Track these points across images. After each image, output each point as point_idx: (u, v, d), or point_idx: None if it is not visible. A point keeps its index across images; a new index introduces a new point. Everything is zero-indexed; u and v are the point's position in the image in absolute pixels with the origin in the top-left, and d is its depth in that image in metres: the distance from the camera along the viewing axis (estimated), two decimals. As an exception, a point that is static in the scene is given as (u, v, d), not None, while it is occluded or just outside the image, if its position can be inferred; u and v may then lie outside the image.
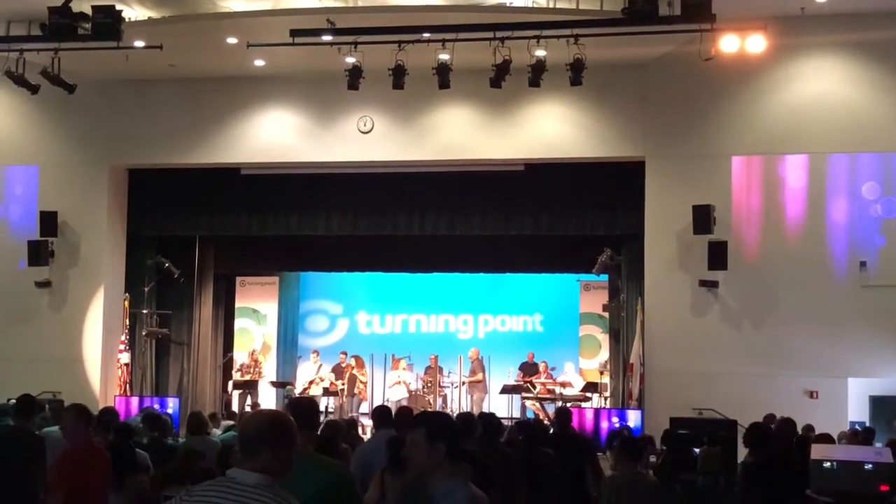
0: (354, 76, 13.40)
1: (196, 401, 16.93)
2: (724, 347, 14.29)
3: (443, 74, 13.07)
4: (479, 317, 19.81)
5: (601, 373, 16.85)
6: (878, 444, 9.99)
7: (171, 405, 14.96)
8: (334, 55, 13.08)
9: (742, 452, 8.06)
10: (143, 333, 16.86)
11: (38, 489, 7.16)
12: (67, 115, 15.99)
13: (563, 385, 16.55)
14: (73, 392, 14.03)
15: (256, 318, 18.99)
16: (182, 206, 16.85)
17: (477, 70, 13.05)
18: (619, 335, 16.31)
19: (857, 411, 13.76)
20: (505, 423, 9.18)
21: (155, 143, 16.22)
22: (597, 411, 14.77)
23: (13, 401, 8.58)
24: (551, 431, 8.95)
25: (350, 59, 13.20)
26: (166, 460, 7.63)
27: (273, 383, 18.03)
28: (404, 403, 16.07)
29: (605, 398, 16.32)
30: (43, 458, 7.27)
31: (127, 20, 12.73)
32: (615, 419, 14.08)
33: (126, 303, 16.59)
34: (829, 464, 7.22)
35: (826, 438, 9.56)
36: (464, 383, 17.35)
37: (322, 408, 16.33)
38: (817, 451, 7.52)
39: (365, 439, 9.35)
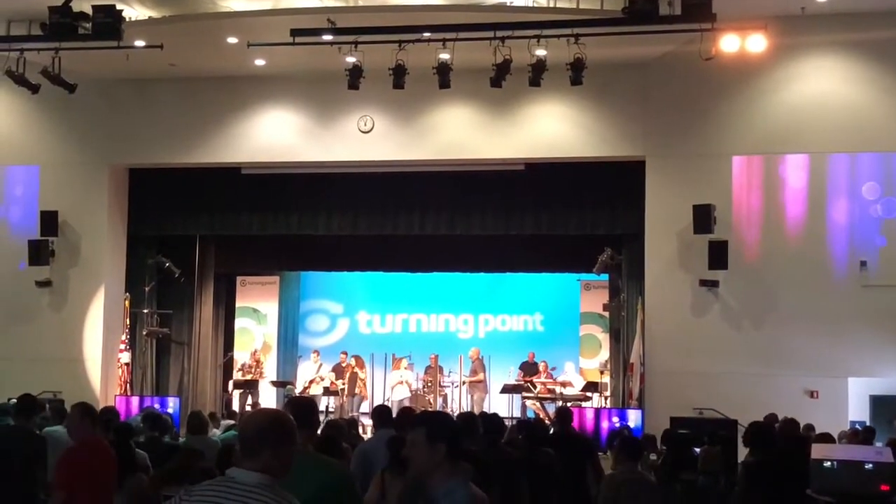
0: (355, 76, 13.40)
1: (196, 400, 16.94)
2: (725, 347, 14.28)
3: (443, 74, 13.07)
4: (480, 316, 19.82)
5: (601, 372, 16.86)
6: (879, 444, 9.98)
7: (172, 405, 14.96)
8: (335, 55, 13.08)
9: (742, 452, 8.07)
10: (144, 333, 16.87)
11: (38, 488, 7.17)
12: (68, 115, 15.99)
13: (564, 385, 16.56)
14: (73, 392, 14.03)
15: (257, 317, 19.00)
16: (182, 206, 16.85)
17: (477, 70, 13.05)
18: (620, 335, 16.31)
19: (858, 411, 13.75)
20: (506, 422, 9.17)
21: (155, 143, 16.22)
22: (597, 411, 14.76)
23: (13, 400, 8.59)
24: (552, 431, 8.95)
25: (350, 59, 13.20)
26: (166, 460, 7.62)
27: (273, 383, 18.03)
28: (407, 403, 16.11)
29: (606, 398, 16.32)
30: (43, 457, 7.29)
31: (127, 20, 12.74)
32: (615, 419, 14.08)
33: (126, 302, 16.59)
34: (829, 463, 7.21)
35: (826, 438, 9.56)
36: (464, 383, 17.35)
37: (322, 407, 16.36)
38: (818, 450, 7.51)
39: (365, 439, 9.36)
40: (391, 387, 17.49)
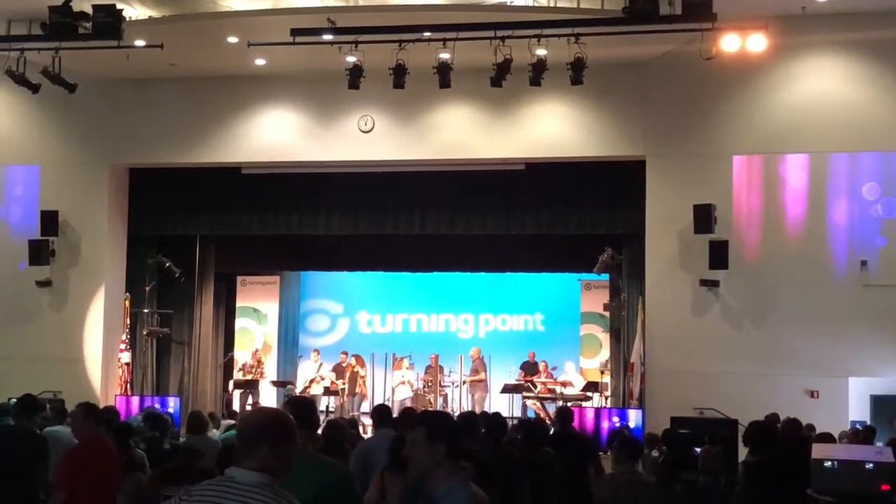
0: (355, 75, 13.39)
1: (197, 400, 16.93)
2: (725, 347, 14.27)
3: (443, 73, 13.06)
4: (480, 316, 19.82)
5: (602, 372, 16.86)
6: (879, 444, 9.97)
7: (172, 405, 14.96)
8: (335, 54, 13.07)
9: (743, 452, 8.07)
10: (144, 333, 16.86)
11: (38, 488, 7.17)
12: (68, 115, 15.99)
13: (564, 384, 16.55)
14: (73, 391, 14.02)
15: (257, 317, 19.00)
16: (183, 206, 16.85)
17: (478, 69, 13.04)
18: (620, 334, 16.30)
19: (858, 411, 13.75)
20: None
21: (156, 143, 16.21)
22: (597, 411, 14.76)
23: (14, 400, 8.59)
24: (552, 431, 8.94)
25: (351, 59, 13.19)
26: (165, 460, 7.62)
27: (274, 383, 18.03)
28: (409, 404, 16.11)
29: (606, 397, 16.31)
30: (44, 457, 7.28)
31: (127, 19, 12.74)
32: (616, 419, 14.08)
33: (127, 302, 16.59)
34: (829, 463, 7.20)
35: (827, 438, 9.55)
36: (464, 382, 17.35)
37: (322, 407, 16.37)
38: (818, 450, 7.50)
39: (365, 439, 9.35)
40: (393, 387, 17.49)
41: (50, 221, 15.94)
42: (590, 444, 8.98)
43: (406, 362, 17.65)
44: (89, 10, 12.26)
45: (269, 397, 17.55)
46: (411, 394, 17.20)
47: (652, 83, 14.94)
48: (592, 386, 16.27)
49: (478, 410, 15.14)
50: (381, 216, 16.40)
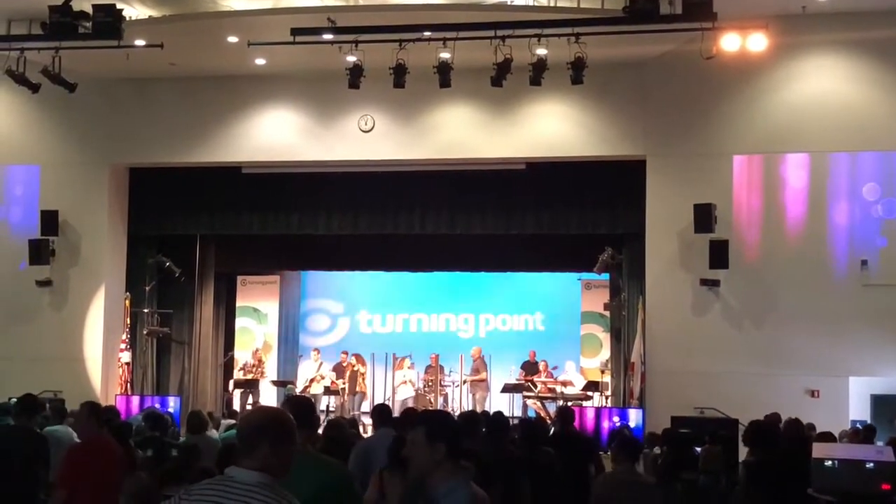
0: (355, 75, 13.39)
1: (197, 400, 16.93)
2: (726, 346, 14.27)
3: (444, 73, 13.06)
4: (480, 316, 19.81)
5: (602, 372, 16.85)
6: (880, 443, 9.96)
7: (172, 404, 14.95)
8: (335, 54, 13.07)
9: (744, 451, 8.06)
10: (144, 332, 16.86)
11: (39, 488, 7.17)
12: (68, 114, 15.98)
13: (565, 384, 16.56)
14: (73, 391, 14.03)
15: (257, 317, 19.00)
16: (183, 205, 16.84)
17: (478, 69, 13.04)
18: (620, 334, 16.30)
19: (859, 410, 13.75)
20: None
21: (156, 142, 16.21)
22: (598, 410, 14.75)
23: (14, 400, 8.59)
24: (553, 431, 8.94)
25: (351, 58, 13.19)
26: (164, 459, 7.61)
27: (274, 382, 18.03)
28: (410, 403, 16.11)
29: (607, 397, 16.31)
30: (44, 456, 7.28)
31: (127, 19, 12.75)
32: (616, 418, 14.07)
33: (127, 302, 16.58)
34: (830, 462, 7.19)
35: (827, 437, 9.54)
36: (465, 382, 17.35)
37: (323, 407, 16.37)
38: (819, 449, 7.49)
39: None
40: (395, 387, 17.48)
41: (50, 221, 15.94)
42: (590, 444, 8.98)
43: (407, 362, 17.64)
44: (89, 10, 12.26)
45: (269, 397, 17.55)
46: (413, 393, 17.20)
47: (652, 83, 14.93)
48: (593, 385, 16.27)
49: (478, 410, 15.14)
50: (381, 216, 16.39)
